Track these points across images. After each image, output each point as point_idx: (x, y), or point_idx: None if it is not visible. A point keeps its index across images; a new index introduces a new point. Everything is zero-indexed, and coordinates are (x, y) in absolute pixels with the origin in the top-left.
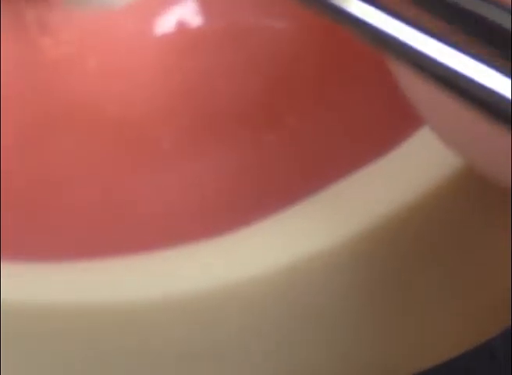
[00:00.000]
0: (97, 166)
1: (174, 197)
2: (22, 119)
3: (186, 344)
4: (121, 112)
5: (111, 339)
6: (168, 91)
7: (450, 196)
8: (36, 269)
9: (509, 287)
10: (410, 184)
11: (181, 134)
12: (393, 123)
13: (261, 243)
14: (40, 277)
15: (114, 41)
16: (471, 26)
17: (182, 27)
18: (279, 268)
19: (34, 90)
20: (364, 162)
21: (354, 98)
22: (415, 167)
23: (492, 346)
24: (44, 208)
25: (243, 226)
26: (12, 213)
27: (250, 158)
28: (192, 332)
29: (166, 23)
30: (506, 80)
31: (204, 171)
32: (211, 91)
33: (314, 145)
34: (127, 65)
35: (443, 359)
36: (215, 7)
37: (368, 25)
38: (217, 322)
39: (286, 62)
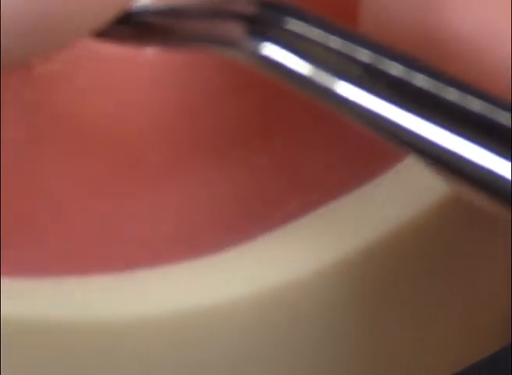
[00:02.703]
0: (85, 184)
1: (161, 217)
2: (13, 134)
3: (170, 361)
4: (110, 130)
5: (105, 354)
6: (158, 111)
7: (444, 217)
8: (25, 285)
9: (508, 305)
10: (402, 207)
11: (170, 155)
12: (386, 145)
13: (249, 264)
14: (29, 293)
15: (104, 59)
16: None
17: None
18: (267, 288)
19: (25, 106)
20: (355, 183)
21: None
22: (407, 189)
23: (492, 362)
24: (34, 225)
25: (231, 248)
26: (6, 231)
27: (240, 179)
28: (173, 350)
29: None
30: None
31: (193, 192)
32: (203, 111)
33: (305, 167)
34: (117, 83)
35: None
36: None
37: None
38: (200, 342)
39: (277, 84)
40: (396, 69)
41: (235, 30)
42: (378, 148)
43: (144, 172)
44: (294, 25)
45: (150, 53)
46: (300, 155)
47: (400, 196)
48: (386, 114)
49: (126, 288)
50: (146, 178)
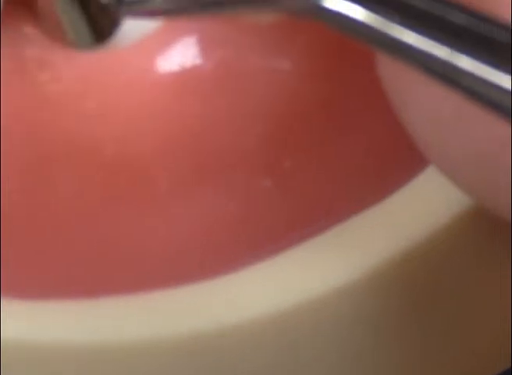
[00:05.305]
0: (94, 206)
1: (167, 239)
2: (21, 156)
3: None
4: (119, 151)
5: None
6: (166, 133)
7: (451, 240)
8: (35, 308)
9: (509, 329)
10: (410, 229)
11: (177, 177)
12: (394, 167)
13: (256, 287)
14: (40, 316)
15: (114, 80)
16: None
17: (183, 69)
18: (275, 311)
19: (33, 127)
20: (363, 206)
21: (354, 140)
22: (416, 211)
23: None
24: (43, 247)
25: (237, 270)
26: (11, 251)
27: (246, 201)
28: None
29: (167, 64)
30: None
31: (199, 213)
32: (210, 133)
33: (312, 189)
34: (126, 104)
35: None
36: (216, 49)
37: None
38: (213, 364)
39: (285, 105)
40: (456, 16)
41: None
42: (388, 168)
43: (152, 193)
44: None
45: (158, 76)
46: (306, 178)
47: (409, 218)
48: (444, 57)
49: (134, 310)
50: (153, 199)
